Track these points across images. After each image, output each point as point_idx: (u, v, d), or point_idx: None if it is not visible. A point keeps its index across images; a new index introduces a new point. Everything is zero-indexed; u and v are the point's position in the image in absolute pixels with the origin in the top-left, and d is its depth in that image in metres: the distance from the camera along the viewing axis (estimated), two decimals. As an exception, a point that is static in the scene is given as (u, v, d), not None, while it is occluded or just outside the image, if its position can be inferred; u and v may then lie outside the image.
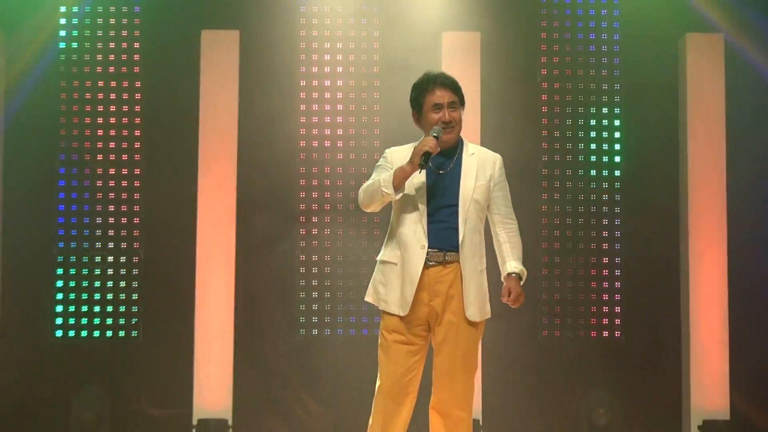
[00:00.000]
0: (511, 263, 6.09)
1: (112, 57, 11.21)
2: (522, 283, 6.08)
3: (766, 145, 11.21)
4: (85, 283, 11.01)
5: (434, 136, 5.92)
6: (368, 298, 6.22)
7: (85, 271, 11.02)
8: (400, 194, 5.94)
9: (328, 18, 11.27)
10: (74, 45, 11.20)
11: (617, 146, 11.27)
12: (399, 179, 5.90)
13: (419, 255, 5.96)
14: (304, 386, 10.89)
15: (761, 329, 11.05)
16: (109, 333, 10.98)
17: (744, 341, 10.88)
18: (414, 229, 6.01)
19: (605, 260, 11.16)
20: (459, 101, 6.17)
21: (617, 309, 11.11)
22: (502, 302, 6.05)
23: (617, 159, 11.24)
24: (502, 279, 6.11)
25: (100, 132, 11.15)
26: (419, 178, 6.00)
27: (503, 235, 6.16)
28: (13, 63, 11.03)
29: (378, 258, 6.18)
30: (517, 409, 10.77)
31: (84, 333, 10.97)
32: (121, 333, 10.99)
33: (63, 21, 11.17)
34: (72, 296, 10.98)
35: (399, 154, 6.12)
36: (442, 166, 6.10)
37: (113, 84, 11.17)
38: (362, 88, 11.15)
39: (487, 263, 6.13)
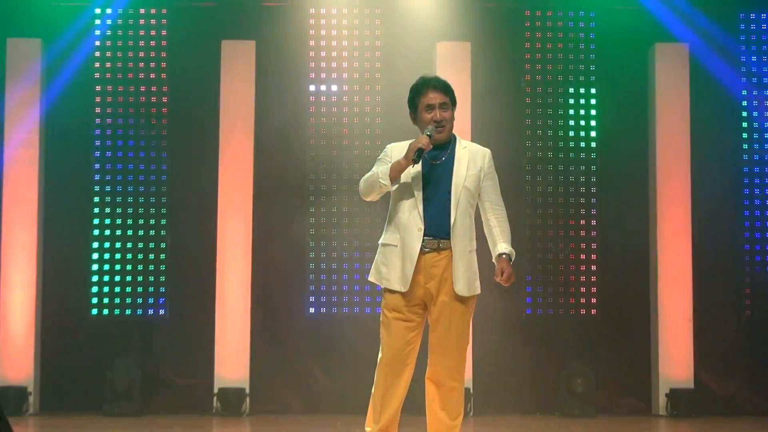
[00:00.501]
0: (502, 245, 6.12)
1: (141, 64, 11.21)
2: (511, 262, 6.18)
3: (725, 142, 11.27)
4: (117, 267, 11.04)
5: (428, 135, 5.97)
6: (371, 278, 6.27)
7: (117, 256, 11.05)
8: (396, 185, 6.00)
9: (334, 29, 11.29)
10: (107, 52, 11.20)
11: (593, 144, 11.30)
12: (395, 172, 5.96)
13: (416, 237, 5.99)
14: (313, 359, 10.92)
15: (722, 307, 11.07)
16: (139, 311, 11.03)
17: (707, 318, 10.89)
18: (411, 214, 6.05)
19: (582, 245, 11.19)
20: (450, 102, 6.22)
21: (593, 289, 11.16)
22: (495, 282, 6.11)
23: (593, 155, 11.26)
24: (494, 260, 6.14)
25: (131, 131, 11.19)
26: (416, 168, 6.03)
27: (493, 220, 6.19)
28: (51, 68, 11.00)
29: (380, 242, 6.20)
30: (504, 379, 10.78)
31: (117, 311, 11.01)
32: (150, 311, 11.03)
33: (97, 31, 11.16)
34: (106, 278, 11.02)
35: (397, 149, 6.16)
36: (436, 157, 6.15)
37: (143, 88, 11.21)
38: (365, 92, 11.18)
39: (477, 247, 6.15)
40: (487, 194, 6.19)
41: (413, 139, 6.06)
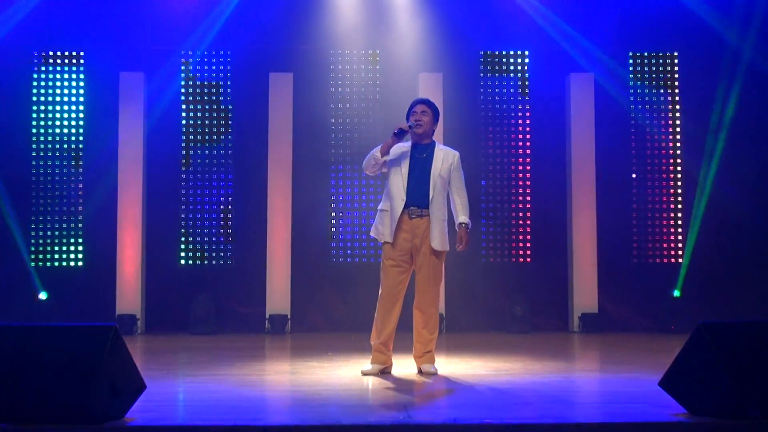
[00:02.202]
0: (462, 217, 6.36)
1: (213, 90, 11.22)
2: (468, 229, 6.39)
3: (617, 147, 11.21)
4: (198, 232, 11.10)
5: (408, 124, 6.29)
6: (371, 233, 6.51)
7: (198, 224, 11.11)
8: (386, 158, 6.25)
9: (347, 65, 11.29)
10: (189, 83, 11.23)
11: (528, 150, 11.29)
12: (385, 147, 6.25)
13: (400, 205, 6.24)
14: (335, 294, 10.95)
15: (616, 257, 11.12)
16: (213, 261, 11.10)
17: (605, 264, 10.93)
18: (398, 189, 6.28)
19: (521, 215, 11.24)
20: (430, 110, 6.44)
21: (528, 244, 11.24)
22: (457, 249, 6.36)
23: (528, 151, 11.28)
24: (456, 227, 6.38)
25: (206, 141, 11.19)
26: (406, 159, 6.31)
27: (457, 200, 6.41)
28: (151, 95, 10.95)
29: (378, 208, 6.47)
30: (467, 307, 10.79)
31: (198, 262, 11.09)
32: (221, 261, 11.11)
33: (182, 67, 11.16)
34: (189, 239, 11.09)
35: (393, 148, 6.41)
36: (421, 153, 6.39)
37: (215, 106, 11.20)
38: (369, 108, 11.17)
39: (447, 218, 6.35)
40: (454, 182, 6.46)
41: (404, 143, 6.35)
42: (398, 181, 6.31)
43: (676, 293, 10.91)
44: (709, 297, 10.82)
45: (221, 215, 11.15)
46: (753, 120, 11.02)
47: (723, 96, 10.94)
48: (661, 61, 11.41)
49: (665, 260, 11.24)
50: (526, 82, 11.35)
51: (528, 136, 11.32)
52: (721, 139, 10.92)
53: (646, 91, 11.36)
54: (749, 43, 10.90)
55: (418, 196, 6.28)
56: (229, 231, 11.14)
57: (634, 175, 11.31)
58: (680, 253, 11.16)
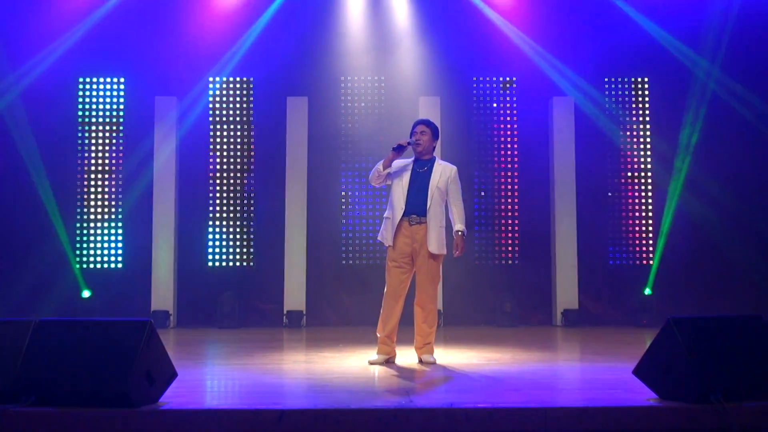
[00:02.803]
0: (458, 225, 6.33)
1: (238, 111, 11.24)
2: (464, 236, 6.35)
3: (595, 162, 11.16)
4: (223, 237, 11.07)
5: (408, 141, 6.32)
6: (378, 238, 6.50)
7: (224, 228, 11.09)
8: (389, 170, 6.27)
9: (357, 87, 11.28)
10: (216, 106, 11.25)
11: (516, 165, 11.25)
12: (387, 161, 6.30)
13: (399, 213, 6.24)
14: (345, 292, 10.90)
15: (594, 258, 11.09)
16: (237, 263, 11.08)
17: (584, 265, 10.90)
18: (399, 199, 6.29)
19: (509, 221, 11.20)
20: (429, 130, 6.44)
21: (516, 248, 11.21)
22: (454, 255, 6.33)
23: (516, 166, 11.25)
24: (453, 234, 6.36)
25: (231, 158, 11.19)
26: (407, 172, 6.31)
27: (454, 209, 6.39)
28: (182, 118, 10.96)
29: (384, 215, 6.45)
30: (462, 303, 10.75)
31: (223, 263, 11.07)
32: (244, 263, 11.09)
33: (210, 92, 11.18)
34: (217, 243, 11.06)
35: (397, 162, 6.41)
36: (422, 167, 6.39)
37: (239, 128, 11.22)
38: (375, 129, 11.12)
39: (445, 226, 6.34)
40: (452, 193, 6.44)
41: (407, 158, 6.35)
42: (399, 192, 6.31)
43: (648, 291, 10.86)
44: (676, 295, 10.78)
45: (244, 222, 11.14)
46: (716, 139, 10.96)
47: (691, 118, 10.89)
48: (633, 85, 11.38)
49: (637, 262, 11.19)
50: (514, 105, 11.33)
51: (516, 153, 11.29)
52: (687, 156, 10.89)
53: (620, 112, 11.32)
54: (714, 70, 10.89)
55: (417, 206, 6.26)
56: (252, 236, 11.13)
57: (609, 194, 11.26)
58: (651, 255, 11.12)
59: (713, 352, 4.22)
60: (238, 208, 11.14)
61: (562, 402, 4.48)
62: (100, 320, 4.42)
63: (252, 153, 11.21)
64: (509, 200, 11.24)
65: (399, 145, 6.28)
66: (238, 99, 11.27)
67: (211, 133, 11.22)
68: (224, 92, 11.26)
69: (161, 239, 10.73)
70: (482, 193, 11.11)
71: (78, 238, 10.97)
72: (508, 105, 11.32)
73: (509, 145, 11.29)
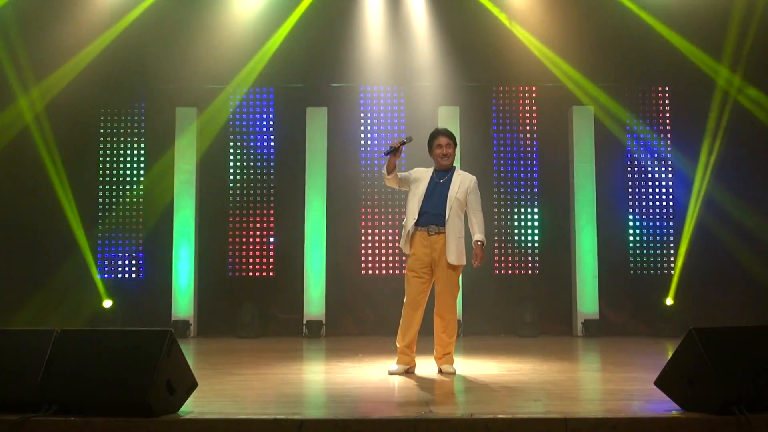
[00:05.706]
0: (477, 234, 6.31)
1: (258, 122, 11.28)
2: (483, 246, 6.34)
3: (615, 171, 11.12)
4: (244, 247, 11.10)
5: (404, 140, 6.32)
6: (400, 245, 6.49)
7: (244, 240, 11.11)
8: (393, 174, 6.24)
9: (375, 99, 11.32)
10: (237, 117, 11.29)
11: (536, 174, 11.23)
12: (388, 165, 6.24)
13: (411, 223, 6.24)
14: (364, 302, 10.92)
15: (615, 268, 11.00)
16: (257, 273, 11.09)
17: (605, 275, 10.81)
18: (413, 209, 6.29)
19: (529, 231, 11.16)
20: (453, 143, 6.45)
21: (537, 258, 11.16)
22: (473, 265, 6.30)
23: (536, 175, 11.22)
24: (473, 244, 6.35)
25: (251, 167, 11.23)
26: (425, 182, 6.30)
27: (473, 219, 6.38)
28: (202, 130, 11.00)
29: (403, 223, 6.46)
30: (482, 313, 10.72)
31: (244, 273, 11.08)
32: (264, 273, 11.10)
33: (230, 104, 11.22)
34: (237, 253, 11.09)
35: (418, 170, 6.42)
36: (441, 177, 6.39)
37: (259, 138, 11.23)
38: (394, 137, 11.09)
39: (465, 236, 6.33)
40: (471, 204, 6.42)
41: (430, 167, 6.34)
42: (414, 203, 6.31)
43: (669, 301, 10.79)
44: (698, 305, 10.68)
45: (264, 232, 11.16)
46: (738, 148, 10.89)
47: (713, 127, 10.82)
48: (653, 94, 11.33)
49: (659, 272, 11.12)
50: (534, 114, 11.31)
51: (536, 162, 11.26)
52: (709, 166, 10.81)
53: (640, 121, 11.26)
54: (735, 80, 10.82)
55: (437, 216, 6.25)
56: (271, 246, 11.15)
57: (630, 197, 11.19)
58: (672, 265, 11.04)
59: (736, 363, 4.18)
60: (258, 218, 11.17)
61: (583, 413, 4.44)
62: (121, 330, 4.45)
63: (272, 164, 11.24)
64: (529, 209, 11.21)
65: (392, 147, 6.24)
66: (258, 109, 11.31)
67: (232, 144, 11.26)
68: (244, 102, 11.29)
69: (182, 249, 10.76)
70: (495, 203, 11.05)
71: (99, 249, 11.05)
72: (528, 115, 11.29)
73: (529, 155, 11.26)
